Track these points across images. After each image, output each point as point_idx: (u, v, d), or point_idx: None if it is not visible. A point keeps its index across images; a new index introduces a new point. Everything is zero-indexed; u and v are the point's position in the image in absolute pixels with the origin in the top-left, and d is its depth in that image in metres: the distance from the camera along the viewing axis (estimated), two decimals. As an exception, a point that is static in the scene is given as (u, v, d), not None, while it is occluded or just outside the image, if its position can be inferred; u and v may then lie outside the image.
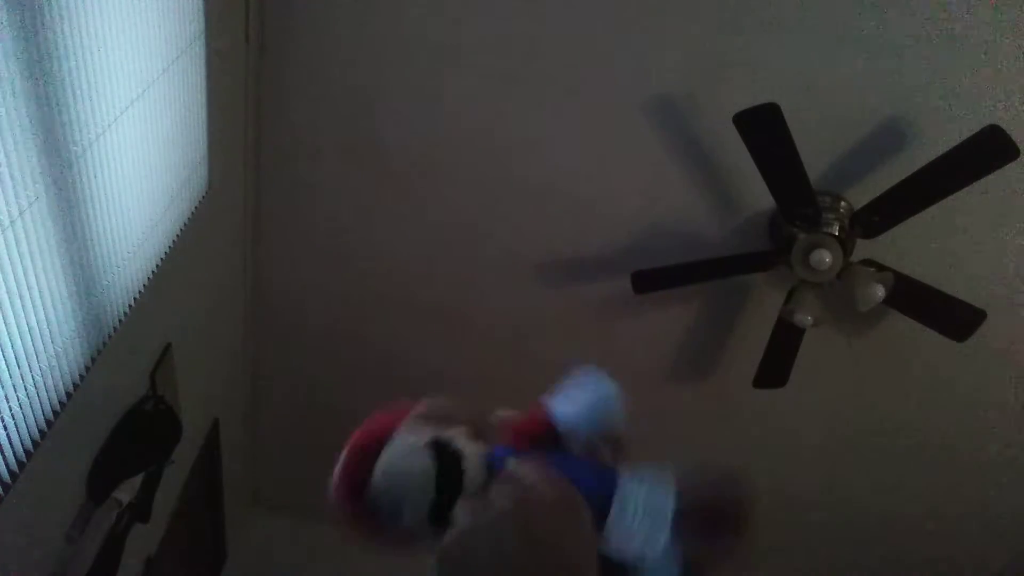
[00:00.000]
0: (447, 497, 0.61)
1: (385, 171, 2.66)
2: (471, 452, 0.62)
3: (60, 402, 1.67)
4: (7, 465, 1.51)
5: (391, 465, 0.61)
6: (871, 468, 3.19)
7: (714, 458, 3.29)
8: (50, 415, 1.63)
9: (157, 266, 2.06)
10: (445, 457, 0.61)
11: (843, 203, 2.42)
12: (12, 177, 1.30)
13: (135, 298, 1.95)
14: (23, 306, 1.43)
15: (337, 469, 0.68)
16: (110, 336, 1.84)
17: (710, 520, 0.60)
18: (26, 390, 1.50)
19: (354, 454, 0.66)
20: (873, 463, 3.17)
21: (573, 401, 0.65)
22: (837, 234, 2.30)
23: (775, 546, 3.57)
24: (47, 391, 1.60)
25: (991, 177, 2.06)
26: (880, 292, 2.27)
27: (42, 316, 1.51)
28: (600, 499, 0.58)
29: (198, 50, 2.03)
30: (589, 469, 0.61)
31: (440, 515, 0.61)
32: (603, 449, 0.62)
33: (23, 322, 1.44)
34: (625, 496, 0.58)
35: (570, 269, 2.80)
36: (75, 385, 1.71)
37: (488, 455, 0.62)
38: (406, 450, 0.62)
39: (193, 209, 2.23)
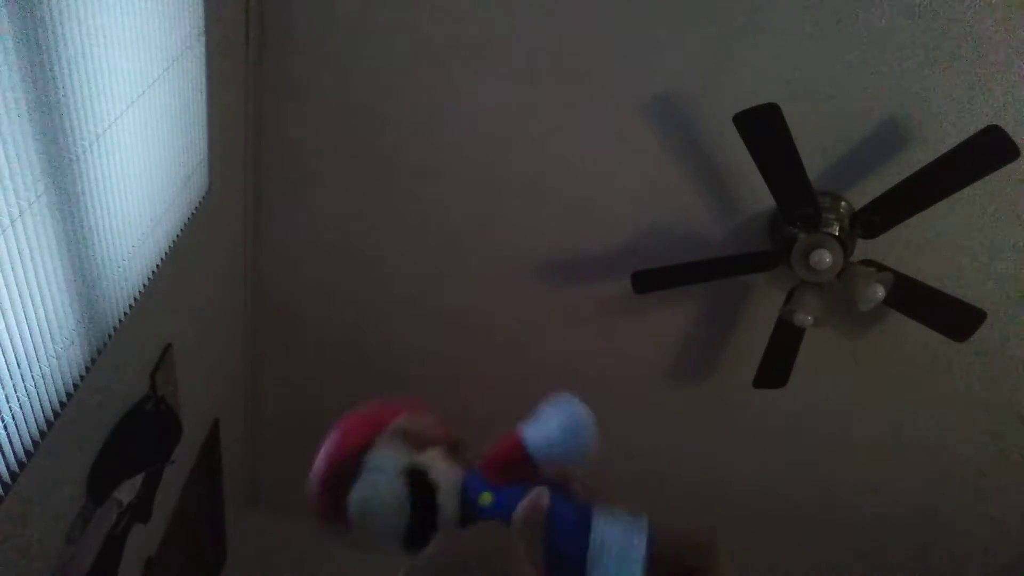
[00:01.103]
0: (422, 525, 0.61)
1: (385, 171, 2.66)
2: (447, 484, 0.62)
3: (60, 402, 1.67)
4: (7, 465, 1.51)
5: (364, 499, 0.62)
6: (871, 468, 3.19)
7: (713, 458, 3.31)
8: (50, 415, 1.63)
9: (157, 266, 2.06)
10: (420, 488, 0.62)
11: (843, 203, 2.42)
12: (12, 177, 1.31)
13: (135, 298, 1.95)
14: (23, 306, 1.43)
15: (313, 476, 0.67)
16: (110, 336, 1.84)
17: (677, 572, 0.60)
18: (26, 390, 1.50)
19: (330, 465, 0.66)
20: (873, 463, 3.17)
21: (546, 427, 0.64)
22: (837, 234, 2.30)
23: (775, 546, 3.57)
24: (47, 391, 1.60)
25: (991, 177, 2.06)
26: (880, 292, 2.27)
27: (42, 316, 1.51)
28: (572, 535, 0.58)
29: (198, 50, 2.03)
30: (564, 502, 0.61)
31: (414, 540, 0.61)
32: (575, 480, 0.61)
33: (23, 322, 1.44)
34: (601, 538, 0.57)
35: (570, 269, 2.80)
36: (75, 385, 1.71)
37: (463, 484, 0.62)
38: (380, 481, 0.62)
39: (193, 209, 2.23)
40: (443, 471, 0.61)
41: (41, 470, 1.62)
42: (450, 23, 2.33)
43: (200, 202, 2.27)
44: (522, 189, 2.63)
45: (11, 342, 1.42)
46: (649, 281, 2.56)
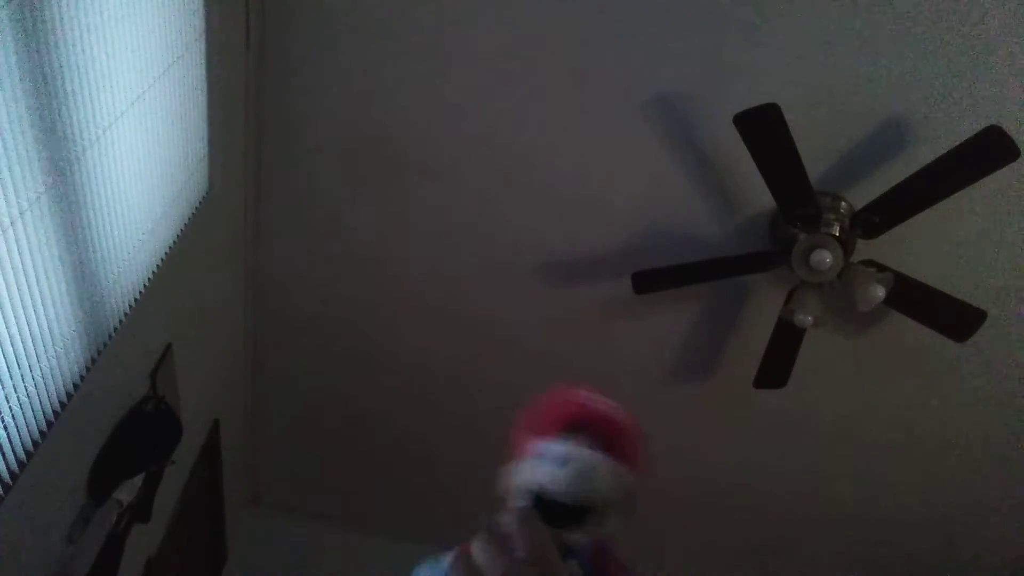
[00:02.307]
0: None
1: (385, 171, 2.66)
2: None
3: (61, 402, 1.67)
4: (7, 465, 1.51)
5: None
6: (871, 468, 3.19)
7: (713, 457, 3.31)
8: (51, 415, 1.63)
9: (157, 266, 2.06)
10: None
11: (843, 203, 2.42)
12: (12, 177, 1.31)
13: (135, 298, 1.95)
14: (23, 306, 1.43)
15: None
16: (110, 336, 1.84)
17: None
18: (27, 390, 1.50)
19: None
20: (873, 463, 3.17)
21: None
22: (837, 234, 2.30)
23: (775, 545, 3.57)
24: (48, 391, 1.60)
25: (991, 177, 2.06)
26: (880, 292, 2.27)
27: (43, 316, 1.51)
28: None
29: (198, 50, 2.03)
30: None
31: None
32: None
33: (24, 322, 1.44)
34: None
35: (570, 269, 2.80)
36: (75, 385, 1.71)
37: None
38: None
39: (193, 209, 2.23)
40: None
41: (41, 470, 1.62)
42: (450, 24, 2.33)
43: (200, 202, 2.27)
44: (522, 189, 2.63)
45: (11, 342, 1.41)
46: (649, 281, 2.56)
